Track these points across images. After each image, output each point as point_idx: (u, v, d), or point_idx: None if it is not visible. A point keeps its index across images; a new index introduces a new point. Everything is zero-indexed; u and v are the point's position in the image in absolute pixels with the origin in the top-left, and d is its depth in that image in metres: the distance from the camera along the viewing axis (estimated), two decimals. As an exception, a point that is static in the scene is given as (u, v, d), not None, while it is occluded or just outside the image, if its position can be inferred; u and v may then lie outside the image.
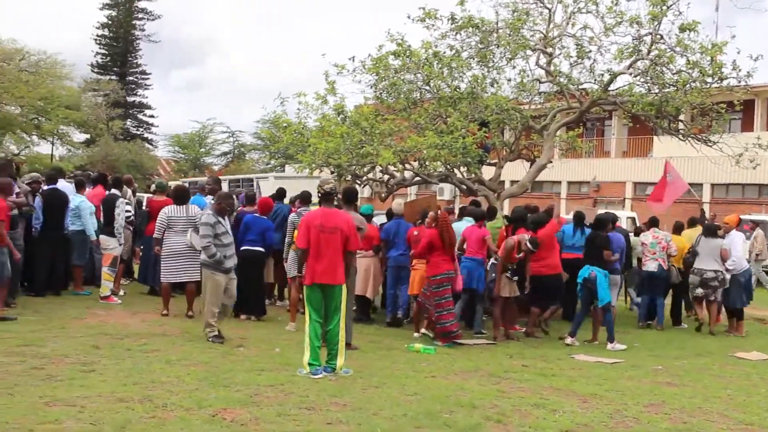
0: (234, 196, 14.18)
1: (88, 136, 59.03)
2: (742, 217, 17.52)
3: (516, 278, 12.49)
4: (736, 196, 34.60)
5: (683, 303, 15.36)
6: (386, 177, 16.31)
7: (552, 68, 16.58)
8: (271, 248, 13.15)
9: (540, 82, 17.32)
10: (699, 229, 15.48)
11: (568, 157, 25.29)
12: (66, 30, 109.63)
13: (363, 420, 6.80)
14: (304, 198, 13.78)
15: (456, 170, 16.07)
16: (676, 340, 13.31)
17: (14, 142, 51.68)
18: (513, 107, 16.48)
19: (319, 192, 9.40)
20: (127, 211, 13.90)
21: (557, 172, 27.14)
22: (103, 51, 67.87)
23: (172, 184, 18.25)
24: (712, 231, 14.39)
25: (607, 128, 41.71)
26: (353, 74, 16.72)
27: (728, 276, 13.96)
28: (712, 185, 34.87)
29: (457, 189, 18.04)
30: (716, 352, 12.15)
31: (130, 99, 67.53)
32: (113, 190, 13.81)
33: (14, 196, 11.87)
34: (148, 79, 70.34)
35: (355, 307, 12.18)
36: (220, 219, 10.64)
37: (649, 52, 15.39)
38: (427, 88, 16.82)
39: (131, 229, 14.62)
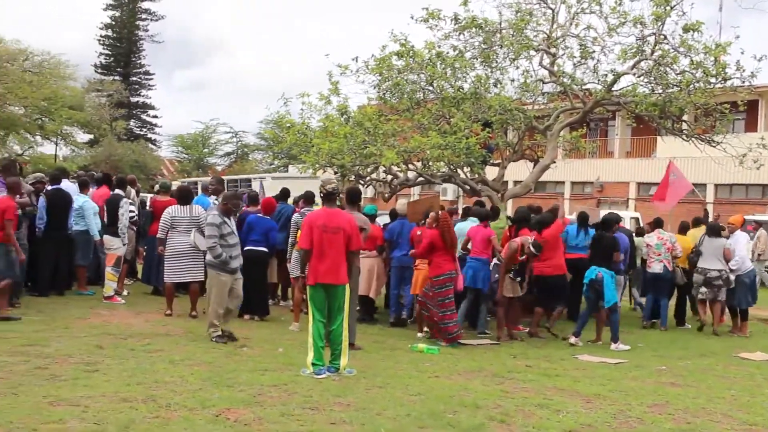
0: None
1: (91, 136, 59.10)
2: (745, 217, 17.50)
3: (519, 279, 12.50)
4: (739, 196, 34.58)
5: (688, 304, 15.33)
6: (389, 177, 16.32)
7: (555, 68, 16.58)
8: (274, 248, 13.15)
9: (543, 83, 17.32)
10: (704, 228, 15.45)
11: (572, 158, 25.36)
12: (69, 31, 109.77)
13: (366, 420, 6.80)
14: (308, 198, 13.78)
15: (459, 170, 16.07)
16: (679, 340, 13.30)
17: (18, 143, 51.78)
18: (516, 107, 16.48)
19: (321, 192, 9.40)
20: (130, 211, 13.91)
21: (560, 173, 27.16)
22: (107, 51, 67.94)
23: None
24: (715, 230, 14.37)
25: (610, 128, 41.70)
26: (356, 74, 16.75)
27: (732, 276, 13.95)
28: (716, 185, 34.85)
29: (460, 189, 18.06)
30: (720, 352, 12.13)
31: (134, 99, 67.60)
32: (117, 191, 13.83)
33: (18, 196, 11.88)
34: (152, 79, 70.50)
35: (358, 308, 12.18)
36: (226, 219, 10.64)
37: (652, 52, 15.39)
38: (431, 88, 16.83)
39: (135, 229, 14.64)
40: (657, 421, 7.42)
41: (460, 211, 15.65)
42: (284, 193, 14.97)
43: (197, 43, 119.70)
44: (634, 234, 16.31)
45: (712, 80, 15.18)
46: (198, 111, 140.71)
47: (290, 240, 12.55)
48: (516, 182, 22.88)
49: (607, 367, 10.40)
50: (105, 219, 13.59)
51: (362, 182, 15.95)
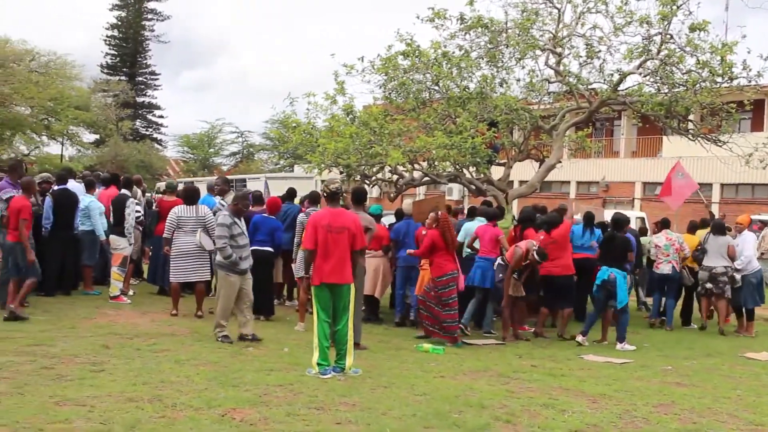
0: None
1: (97, 136, 59.30)
2: (751, 217, 17.47)
3: (521, 279, 12.51)
4: (745, 196, 34.48)
5: (695, 305, 15.31)
6: (395, 177, 16.29)
7: (561, 68, 16.53)
8: (279, 248, 13.16)
9: (549, 82, 17.28)
10: (712, 228, 15.45)
11: (577, 157, 25.26)
12: (76, 31, 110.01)
13: (372, 420, 6.81)
14: (313, 198, 13.78)
15: (465, 170, 16.04)
16: (685, 340, 13.28)
17: (24, 143, 51.91)
18: (522, 107, 16.44)
19: (324, 192, 9.40)
20: (136, 211, 13.94)
21: (566, 172, 27.05)
22: (113, 52, 68.15)
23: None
24: (720, 228, 14.39)
25: (616, 128, 41.62)
26: (362, 74, 16.71)
27: (738, 275, 13.93)
28: (722, 185, 34.75)
29: (465, 189, 18.02)
30: (726, 352, 12.12)
31: (140, 99, 67.77)
32: (123, 191, 13.85)
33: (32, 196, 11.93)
34: (158, 79, 70.69)
35: (363, 308, 12.18)
36: (236, 220, 10.63)
37: (658, 51, 15.34)
38: (436, 88, 16.80)
39: (141, 229, 14.66)
40: (663, 421, 7.41)
41: (465, 211, 15.65)
42: (290, 193, 14.97)
43: (203, 44, 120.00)
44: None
45: (719, 80, 15.12)
46: (204, 111, 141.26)
47: (296, 240, 12.56)
48: (522, 182, 22.83)
49: (612, 367, 10.40)
50: (111, 219, 13.62)
51: (368, 182, 15.92)
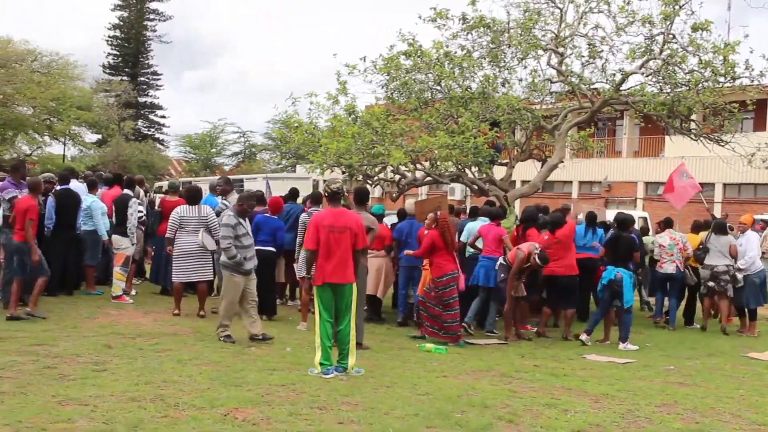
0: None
1: (99, 136, 59.34)
2: (754, 216, 17.46)
3: (522, 279, 12.51)
4: (748, 195, 34.44)
5: (698, 305, 15.30)
6: (397, 177, 16.30)
7: (563, 68, 16.54)
8: (282, 248, 13.16)
9: (551, 82, 17.28)
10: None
11: (580, 157, 25.26)
12: (77, 31, 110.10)
13: (374, 420, 6.80)
14: (315, 198, 13.78)
15: (467, 170, 16.05)
16: (688, 340, 13.27)
17: (26, 143, 51.96)
18: (524, 107, 16.46)
19: (325, 192, 9.39)
20: (139, 211, 13.94)
21: (568, 172, 27.05)
22: (115, 52, 68.12)
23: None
24: (721, 228, 14.39)
25: (618, 128, 41.58)
26: (364, 74, 16.72)
27: (740, 275, 13.92)
28: (725, 185, 34.72)
29: (468, 189, 18.02)
30: (728, 352, 12.11)
31: (142, 99, 67.74)
32: (126, 190, 13.86)
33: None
34: (160, 79, 70.64)
35: (366, 307, 12.18)
36: (241, 220, 10.60)
37: (661, 51, 15.34)
38: (438, 88, 16.81)
39: (143, 229, 14.67)
40: (665, 421, 7.40)
41: (467, 211, 15.64)
42: (293, 193, 14.97)
43: (205, 44, 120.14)
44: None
45: (721, 79, 15.13)
46: (206, 111, 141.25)
47: (298, 240, 12.55)
48: (524, 182, 22.87)
49: (615, 367, 10.39)
50: (114, 219, 13.63)
51: (370, 182, 15.93)
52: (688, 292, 15.19)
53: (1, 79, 43.20)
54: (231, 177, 35.72)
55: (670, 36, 15.23)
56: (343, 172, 15.37)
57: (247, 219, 10.91)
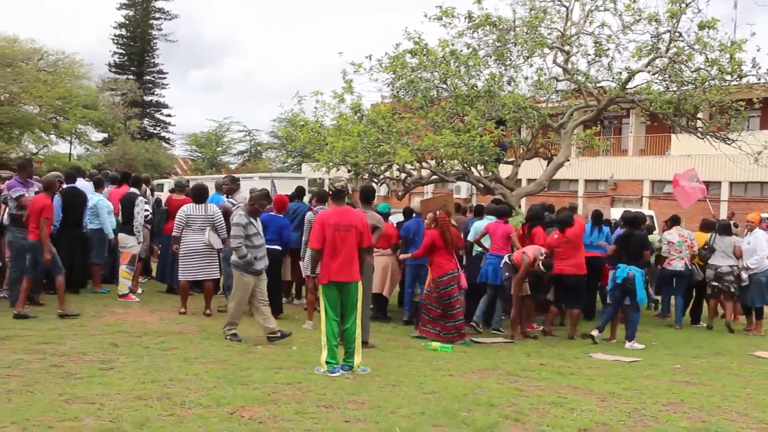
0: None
1: (105, 135, 59.40)
2: (761, 215, 17.42)
3: (526, 279, 12.52)
4: (754, 194, 34.35)
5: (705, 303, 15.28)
6: (403, 175, 16.30)
7: (569, 66, 16.53)
8: (287, 246, 13.15)
9: (557, 80, 17.27)
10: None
11: (586, 156, 25.23)
12: (84, 30, 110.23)
13: (381, 418, 6.80)
14: (321, 196, 13.77)
15: (473, 168, 16.06)
16: (694, 338, 13.25)
17: (33, 142, 51.99)
18: (530, 105, 16.46)
19: (330, 190, 9.39)
20: (145, 210, 13.96)
21: (574, 171, 27.10)
22: (121, 51, 68.23)
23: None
24: (725, 229, 14.37)
25: (624, 126, 41.51)
26: (370, 73, 16.73)
27: (745, 274, 13.89)
28: (731, 183, 34.61)
29: (473, 187, 18.02)
30: (735, 350, 12.09)
31: (148, 98, 67.80)
32: (132, 189, 13.87)
33: (33, 194, 11.95)
34: (165, 78, 70.71)
35: (371, 306, 12.18)
36: (252, 220, 10.55)
37: (667, 49, 15.33)
38: (444, 86, 16.81)
39: (149, 227, 14.68)
40: (672, 420, 7.39)
41: (473, 209, 15.62)
42: (299, 192, 14.96)
43: (211, 42, 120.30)
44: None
45: (728, 77, 15.11)
46: (211, 110, 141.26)
47: (303, 238, 12.54)
48: (530, 180, 22.86)
49: (621, 366, 10.38)
50: (120, 217, 13.65)
51: (376, 180, 15.94)
52: (696, 291, 15.14)
53: (8, 78, 43.25)
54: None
55: (677, 34, 15.22)
56: (349, 171, 15.38)
57: (258, 219, 10.86)
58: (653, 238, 15.90)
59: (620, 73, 16.08)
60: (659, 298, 16.25)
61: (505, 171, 17.58)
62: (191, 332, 10.74)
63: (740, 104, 15.98)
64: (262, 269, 10.61)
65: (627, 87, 16.00)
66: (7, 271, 12.22)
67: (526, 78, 17.20)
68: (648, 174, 38.04)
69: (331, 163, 15.18)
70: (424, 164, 15.90)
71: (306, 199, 15.20)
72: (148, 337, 10.06)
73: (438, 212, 12.05)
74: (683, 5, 14.84)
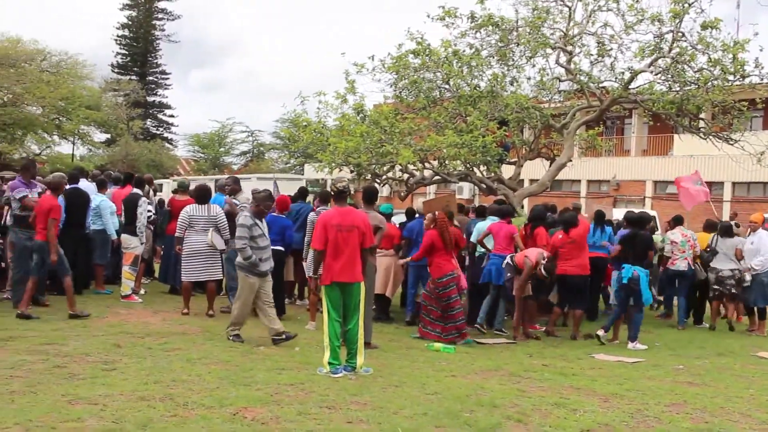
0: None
1: (108, 135, 59.51)
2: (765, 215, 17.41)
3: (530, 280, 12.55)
4: (757, 194, 34.32)
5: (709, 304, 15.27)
6: (406, 176, 16.31)
7: (572, 66, 16.53)
8: (290, 247, 13.15)
9: (560, 81, 17.27)
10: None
11: (588, 156, 25.21)
12: (86, 31, 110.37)
13: (383, 419, 6.80)
14: (323, 197, 13.78)
15: (475, 169, 16.06)
16: (696, 339, 13.23)
17: (36, 142, 52.04)
18: (533, 106, 16.46)
19: (332, 191, 9.39)
20: (148, 210, 13.97)
21: (577, 171, 27.03)
22: (124, 51, 68.33)
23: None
24: (727, 231, 14.37)
25: (627, 126, 41.49)
26: (373, 73, 16.74)
27: (748, 276, 13.87)
28: (734, 183, 34.57)
29: (476, 188, 18.02)
30: (738, 351, 12.08)
31: (150, 99, 67.91)
32: (135, 190, 13.89)
33: (37, 195, 11.97)
34: (168, 79, 70.85)
35: (374, 306, 12.18)
36: (257, 221, 10.48)
37: (670, 50, 15.33)
38: (447, 86, 16.82)
39: (152, 228, 14.69)
40: (675, 421, 7.38)
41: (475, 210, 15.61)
42: (302, 193, 14.96)
43: (213, 43, 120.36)
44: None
45: (730, 78, 15.11)
46: (214, 110, 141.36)
47: (306, 239, 12.54)
48: (532, 180, 22.82)
49: (624, 366, 10.37)
50: (123, 218, 13.67)
51: (378, 181, 15.94)
52: (698, 291, 15.12)
53: (11, 79, 43.29)
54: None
55: (680, 34, 15.22)
56: (352, 171, 15.38)
57: (264, 220, 10.82)
58: (656, 238, 15.89)
59: (623, 73, 16.09)
60: (661, 298, 16.24)
61: (507, 171, 17.59)
62: (194, 333, 10.74)
63: (743, 104, 15.97)
64: (267, 271, 10.55)
65: (630, 87, 16.00)
66: (10, 272, 12.23)
67: (529, 78, 17.24)
68: (650, 174, 38.02)
69: (333, 164, 15.18)
70: (426, 165, 15.91)
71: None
72: (151, 338, 10.07)
73: (437, 212, 12.06)
74: (686, 5, 14.83)
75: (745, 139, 16.11)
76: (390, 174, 16.30)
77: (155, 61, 69.58)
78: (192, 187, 14.41)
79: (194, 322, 11.71)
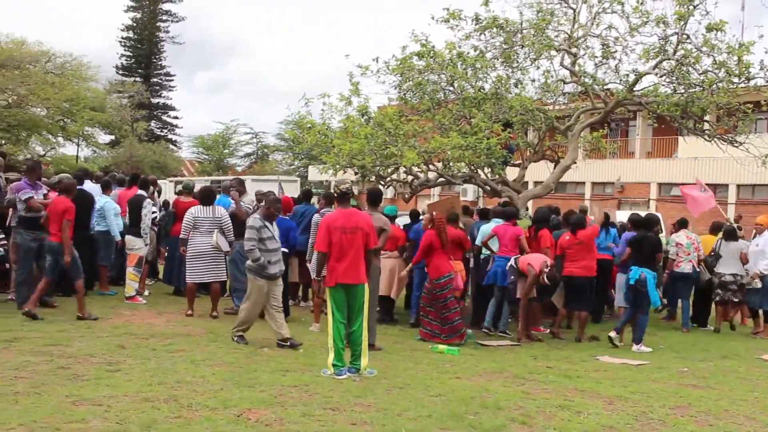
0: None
1: (112, 137, 59.69)
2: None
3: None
4: (762, 196, 34.28)
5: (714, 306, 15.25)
6: (410, 178, 16.31)
7: (576, 68, 16.50)
8: (294, 248, 13.15)
9: (564, 83, 17.25)
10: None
11: (592, 158, 25.24)
12: (91, 32, 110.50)
13: (387, 421, 6.80)
14: (328, 198, 13.77)
15: (480, 171, 16.05)
16: (701, 342, 13.21)
17: (40, 144, 52.18)
18: (537, 108, 16.43)
19: (335, 193, 9.38)
20: (152, 212, 13.98)
21: (581, 173, 27.07)
22: (128, 53, 68.56)
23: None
24: (731, 234, 14.34)
25: (631, 129, 41.49)
26: (377, 75, 16.74)
27: (759, 283, 13.82)
28: (738, 186, 34.55)
29: (480, 190, 18.01)
30: (742, 354, 12.06)
31: (155, 100, 68.09)
32: (140, 191, 13.90)
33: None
34: (172, 80, 71.14)
35: (378, 308, 12.17)
36: (267, 224, 10.41)
37: (675, 52, 15.30)
38: (451, 88, 16.81)
39: (155, 229, 14.70)
40: (679, 423, 7.37)
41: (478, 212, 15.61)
42: (307, 194, 14.96)
43: (217, 45, 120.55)
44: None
45: (735, 80, 15.07)
46: (218, 112, 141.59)
47: (310, 241, 12.54)
48: (537, 183, 22.83)
49: (628, 369, 10.36)
50: (127, 219, 13.68)
51: (383, 183, 15.94)
52: (703, 294, 15.09)
53: (15, 80, 43.40)
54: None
55: (684, 36, 15.19)
56: (356, 173, 15.38)
57: (274, 223, 10.76)
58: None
59: (627, 75, 16.06)
60: (665, 300, 16.21)
61: (512, 173, 17.57)
62: (198, 334, 10.74)
63: (748, 107, 15.94)
64: (276, 273, 10.48)
65: (634, 89, 15.97)
66: (13, 274, 12.23)
67: (533, 80, 17.20)
68: (655, 176, 38.00)
69: (338, 166, 15.19)
70: (431, 167, 15.90)
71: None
72: (155, 339, 10.07)
73: (434, 213, 12.08)
74: (691, 7, 14.81)
75: (749, 142, 16.07)
76: (394, 176, 16.29)
77: (159, 62, 69.82)
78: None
79: (198, 323, 11.72)
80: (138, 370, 8.21)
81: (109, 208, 13.74)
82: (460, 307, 12.06)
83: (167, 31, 69.53)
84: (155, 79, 69.08)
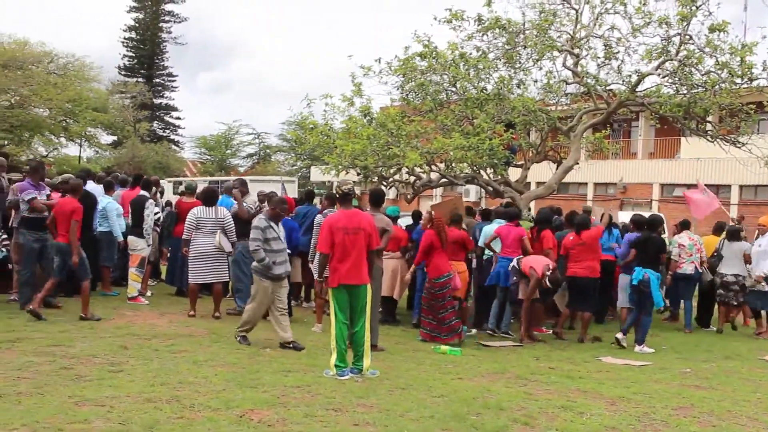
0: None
1: (115, 137, 59.72)
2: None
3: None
4: (765, 197, 34.22)
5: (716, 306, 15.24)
6: (412, 178, 16.29)
7: (579, 69, 16.50)
8: (296, 249, 13.15)
9: (567, 84, 17.24)
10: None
11: (595, 159, 25.19)
12: (93, 33, 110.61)
13: (390, 421, 6.80)
14: (331, 199, 13.77)
15: (482, 172, 16.04)
16: (704, 342, 13.20)
17: (43, 144, 52.21)
18: (540, 108, 16.42)
19: (337, 193, 9.38)
20: (155, 212, 13.99)
21: (584, 174, 26.98)
22: (131, 54, 68.59)
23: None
24: (735, 235, 14.33)
25: (634, 129, 41.45)
26: (379, 76, 16.74)
27: (766, 286, 13.80)
28: (741, 186, 34.51)
29: (482, 191, 18.00)
30: (745, 355, 12.04)
31: (157, 101, 68.10)
32: (142, 192, 13.90)
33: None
34: (175, 81, 71.07)
35: (380, 309, 12.17)
36: (272, 224, 10.40)
37: (677, 52, 15.28)
38: (454, 89, 16.81)
39: (158, 230, 14.71)
40: (682, 424, 7.37)
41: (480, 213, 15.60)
42: (309, 195, 14.96)
43: (220, 45, 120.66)
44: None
45: (738, 81, 15.05)
46: (220, 112, 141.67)
47: (313, 241, 12.54)
48: (539, 183, 22.80)
49: (631, 370, 10.35)
50: (130, 220, 13.69)
51: (385, 183, 15.93)
52: (705, 294, 15.08)
53: (18, 81, 43.45)
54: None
55: (687, 37, 15.17)
56: (359, 174, 15.37)
57: (280, 224, 10.73)
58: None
59: (630, 76, 16.05)
60: (667, 301, 16.19)
61: (514, 174, 17.57)
62: (200, 335, 10.75)
63: (750, 107, 15.93)
64: (282, 274, 10.44)
65: (637, 90, 15.96)
66: (16, 275, 12.24)
67: (536, 81, 17.20)
68: (657, 177, 37.97)
69: (340, 166, 15.18)
70: (433, 167, 15.89)
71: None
72: (157, 340, 10.08)
73: (433, 212, 12.08)
74: (694, 8, 14.79)
75: (752, 142, 16.06)
76: (397, 176, 16.28)
77: (162, 63, 69.85)
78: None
79: (201, 324, 11.73)
80: (140, 371, 8.22)
81: (111, 209, 13.74)
82: (458, 307, 12.04)
83: (170, 32, 69.66)
84: (158, 80, 69.13)
